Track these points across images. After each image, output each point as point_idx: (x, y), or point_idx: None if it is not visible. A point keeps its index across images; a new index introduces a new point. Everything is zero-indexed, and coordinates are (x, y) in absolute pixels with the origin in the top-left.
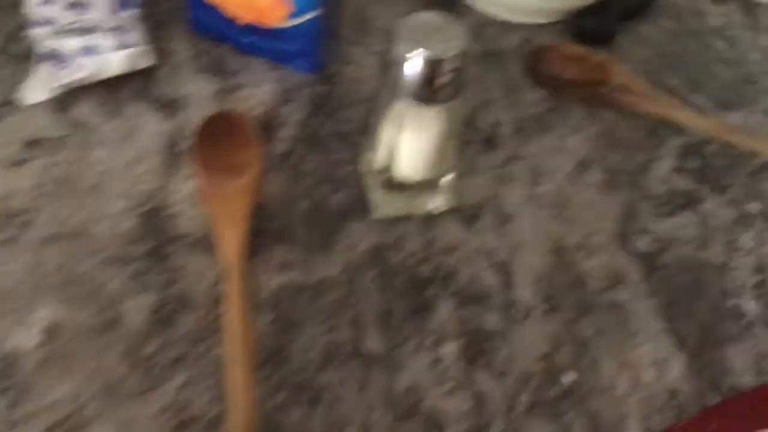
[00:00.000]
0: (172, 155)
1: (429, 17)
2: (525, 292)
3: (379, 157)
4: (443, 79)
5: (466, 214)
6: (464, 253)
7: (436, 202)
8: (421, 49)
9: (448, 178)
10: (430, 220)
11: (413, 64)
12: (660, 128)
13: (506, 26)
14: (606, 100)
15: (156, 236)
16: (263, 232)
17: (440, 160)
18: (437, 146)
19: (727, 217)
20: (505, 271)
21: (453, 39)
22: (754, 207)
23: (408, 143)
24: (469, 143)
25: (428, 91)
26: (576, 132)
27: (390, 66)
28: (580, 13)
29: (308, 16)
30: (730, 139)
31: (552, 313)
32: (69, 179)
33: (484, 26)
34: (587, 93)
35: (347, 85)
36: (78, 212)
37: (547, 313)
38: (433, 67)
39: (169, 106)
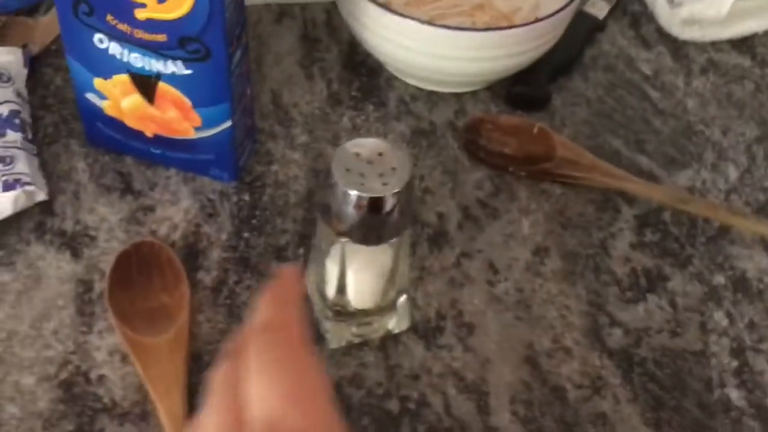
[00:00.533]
0: (84, 303)
1: (367, 144)
2: (503, 417)
3: (326, 289)
4: (388, 217)
5: (426, 329)
6: (431, 378)
7: (393, 324)
8: (357, 190)
9: (403, 299)
10: (389, 343)
11: (351, 204)
12: (611, 198)
13: (436, 97)
14: (552, 174)
15: (79, 412)
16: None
17: (393, 287)
18: (388, 279)
19: (695, 294)
20: (478, 392)
21: (396, 169)
22: (719, 279)
23: (355, 281)
24: (416, 243)
25: (372, 231)
26: (526, 215)
27: (325, 203)
28: (512, 79)
29: (219, 127)
30: (683, 209)
31: None
32: None
33: (412, 100)
34: (532, 169)
35: (273, 189)
36: None
37: None
38: (374, 206)
39: (74, 242)
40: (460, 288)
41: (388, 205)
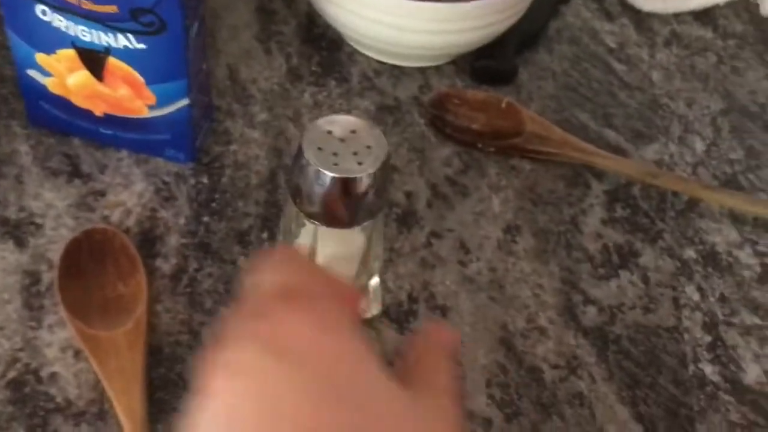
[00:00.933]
0: (31, 296)
1: (339, 122)
2: (479, 401)
3: None
4: (362, 200)
5: (399, 312)
6: None
7: (366, 308)
8: (330, 170)
9: (375, 281)
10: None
11: (324, 185)
12: (581, 173)
13: (399, 72)
14: (521, 150)
15: (30, 413)
16: (165, 384)
17: (364, 270)
18: (359, 261)
19: (666, 269)
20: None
21: (371, 148)
22: (689, 253)
23: (326, 265)
24: (385, 224)
25: (345, 213)
26: (496, 191)
27: (294, 184)
28: (477, 53)
29: (175, 106)
30: (652, 183)
31: (514, 419)
32: None
33: (376, 75)
34: (501, 144)
35: (233, 170)
36: None
37: (508, 422)
38: (348, 187)
39: (18, 231)
40: (431, 269)
41: (363, 186)
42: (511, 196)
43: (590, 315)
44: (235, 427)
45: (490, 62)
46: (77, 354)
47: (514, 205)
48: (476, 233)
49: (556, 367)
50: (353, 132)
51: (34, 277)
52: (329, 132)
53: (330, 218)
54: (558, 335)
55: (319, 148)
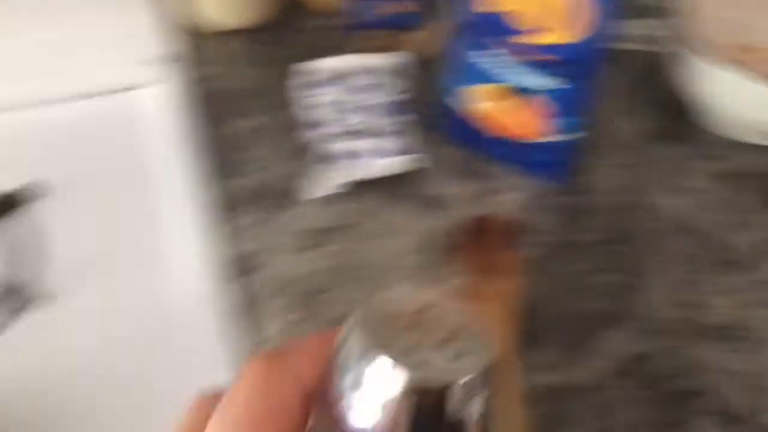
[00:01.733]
0: (435, 251)
1: (422, 297)
2: None
3: None
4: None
5: (723, 335)
6: (723, 374)
7: None
8: (401, 369)
9: None
10: (689, 336)
11: (385, 394)
12: None
13: (748, 148)
14: None
15: None
16: (524, 333)
17: None
18: None
19: None
20: (761, 394)
21: (470, 347)
22: None
23: None
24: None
25: None
26: None
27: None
28: None
29: (568, 136)
30: None
31: None
32: (355, 265)
33: (725, 146)
34: None
35: (591, 195)
36: (364, 296)
37: None
38: (428, 401)
39: (433, 205)
40: (753, 308)
41: (455, 400)
42: None
43: None
44: None
45: None
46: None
47: None
48: None
49: None
50: (429, 318)
51: (437, 237)
52: (396, 316)
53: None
54: None
55: (381, 342)
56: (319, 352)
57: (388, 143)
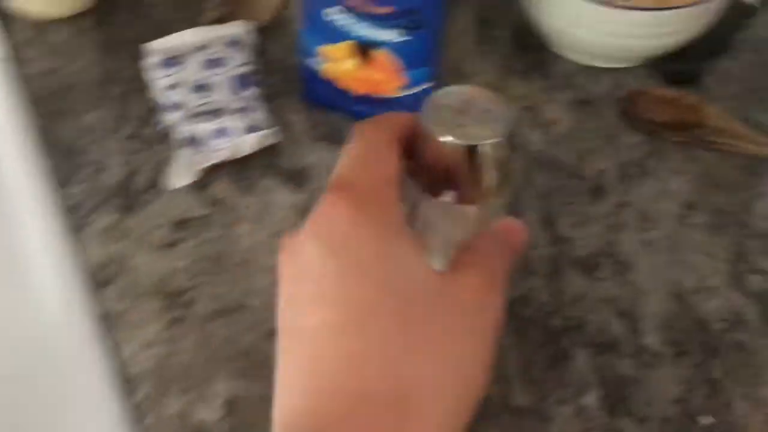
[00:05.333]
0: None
1: (466, 92)
2: (653, 339)
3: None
4: (481, 173)
5: (585, 264)
6: (590, 303)
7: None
8: (451, 135)
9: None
10: (554, 274)
11: (441, 153)
12: (757, 165)
13: (594, 72)
14: (702, 141)
15: None
16: None
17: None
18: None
19: None
20: (630, 318)
21: (495, 121)
22: None
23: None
24: (578, 194)
25: (462, 186)
26: (677, 174)
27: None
28: (666, 57)
29: (421, 86)
30: None
31: (681, 356)
32: (219, 256)
33: (574, 74)
34: (683, 135)
35: None
36: (233, 288)
37: (676, 357)
38: (468, 156)
39: (296, 178)
40: (615, 232)
41: (483, 158)
42: (690, 179)
43: (756, 282)
44: (282, 283)
45: (679, 65)
46: None
47: (692, 186)
48: (657, 207)
49: (721, 320)
50: (478, 104)
51: (305, 215)
52: (453, 102)
53: (460, 192)
54: (726, 296)
55: (441, 119)
56: (407, 120)
57: (242, 121)
